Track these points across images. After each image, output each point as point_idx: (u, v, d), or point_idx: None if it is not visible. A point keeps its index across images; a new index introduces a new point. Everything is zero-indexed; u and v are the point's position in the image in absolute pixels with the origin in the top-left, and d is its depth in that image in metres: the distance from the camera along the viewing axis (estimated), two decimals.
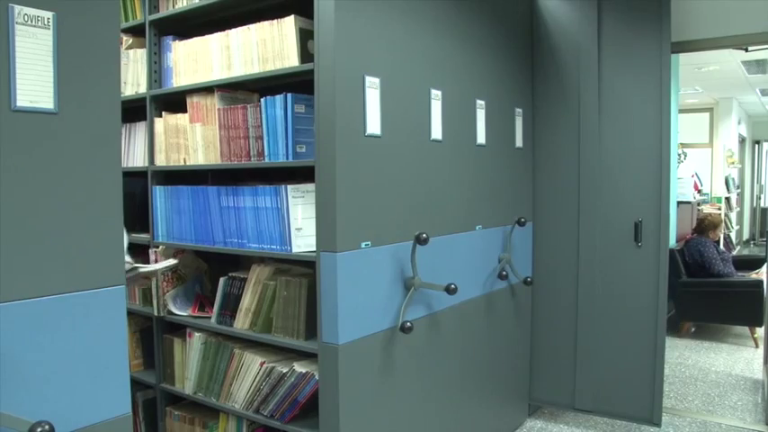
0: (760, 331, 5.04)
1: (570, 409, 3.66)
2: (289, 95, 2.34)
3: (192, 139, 2.71)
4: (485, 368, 3.19)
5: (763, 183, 12.27)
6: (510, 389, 3.54)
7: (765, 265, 5.64)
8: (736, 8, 3.47)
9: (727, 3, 3.47)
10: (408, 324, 2.41)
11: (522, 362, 3.64)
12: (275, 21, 2.40)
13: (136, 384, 2.94)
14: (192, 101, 2.70)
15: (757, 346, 5.26)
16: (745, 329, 5.58)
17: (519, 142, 3.44)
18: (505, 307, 3.39)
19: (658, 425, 3.39)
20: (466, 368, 3.01)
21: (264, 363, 2.51)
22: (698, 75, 7.13)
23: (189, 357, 2.79)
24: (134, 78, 2.97)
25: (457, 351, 2.92)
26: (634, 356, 3.31)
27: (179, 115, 2.76)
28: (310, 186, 2.30)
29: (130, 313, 2.90)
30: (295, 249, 2.34)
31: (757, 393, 4.17)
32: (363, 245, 2.29)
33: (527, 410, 3.79)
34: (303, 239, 2.34)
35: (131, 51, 2.97)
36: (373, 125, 2.30)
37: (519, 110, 3.42)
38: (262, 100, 2.43)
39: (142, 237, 2.94)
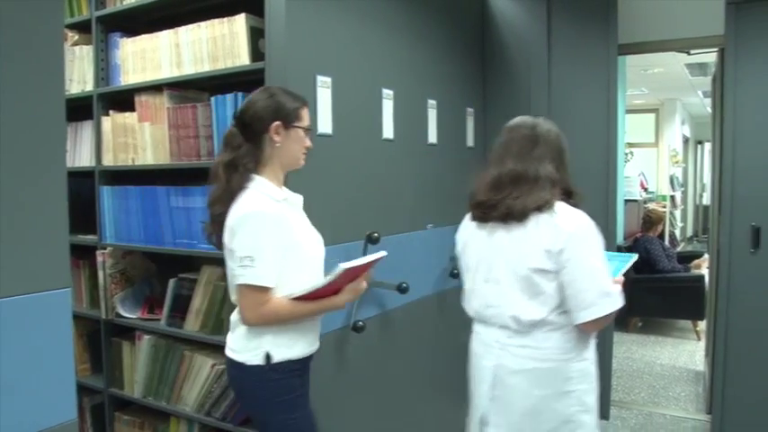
0: (702, 324, 5.22)
1: None
2: (239, 94, 2.32)
3: (140, 139, 2.67)
4: (437, 366, 3.22)
5: (705, 181, 12.69)
6: (463, 386, 3.57)
7: (705, 258, 5.83)
8: (680, 13, 3.59)
9: (671, 8, 3.59)
10: (360, 323, 2.41)
11: None
12: (226, 19, 2.38)
13: (83, 389, 2.87)
14: (140, 99, 2.65)
15: (699, 339, 5.45)
16: (689, 323, 5.78)
17: (470, 141, 3.48)
18: (458, 305, 3.41)
19: (606, 418, 3.48)
20: (418, 367, 3.03)
21: (216, 364, 2.48)
22: (644, 76, 7.33)
23: (138, 360, 2.74)
24: (80, 76, 2.90)
25: (409, 350, 2.94)
26: None
27: (127, 114, 2.71)
28: None
29: (77, 317, 2.81)
30: None
31: (699, 384, 4.32)
32: None
33: None
34: None
35: (77, 48, 2.90)
36: (324, 124, 2.31)
37: (470, 109, 3.47)
38: (212, 99, 2.41)
39: (89, 238, 2.87)
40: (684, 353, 5.24)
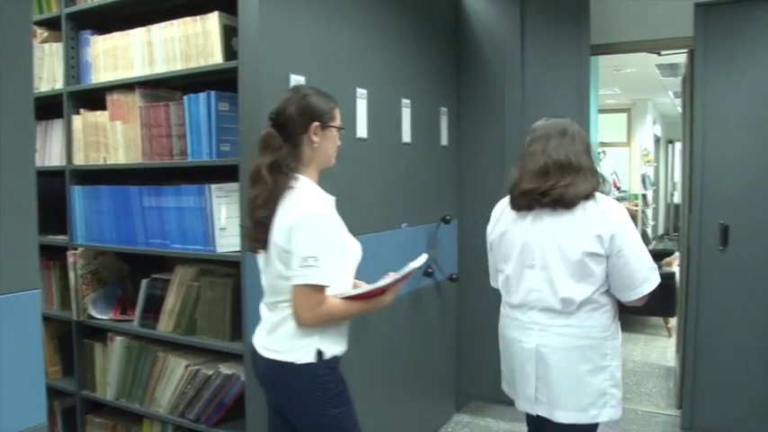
0: (674, 321, 5.30)
1: (496, 402, 3.75)
2: (212, 93, 2.31)
3: (112, 138, 2.64)
4: (412, 364, 3.24)
5: (676, 180, 12.89)
6: (438, 384, 3.60)
7: (676, 255, 5.92)
8: (651, 15, 3.65)
9: (642, 9, 3.64)
10: None
11: (448, 357, 3.71)
12: (198, 17, 2.36)
13: (54, 392, 2.83)
14: (112, 98, 2.62)
15: (671, 336, 5.54)
16: (661, 320, 5.87)
17: (444, 141, 3.50)
18: (432, 303, 3.45)
19: None
20: (394, 365, 3.04)
21: (189, 365, 2.47)
22: (616, 76, 7.43)
23: (110, 362, 2.71)
24: (50, 74, 2.85)
25: (384, 348, 2.94)
26: None
27: (98, 113, 2.67)
28: (234, 186, 2.27)
29: (48, 318, 2.79)
30: (219, 249, 2.31)
31: (670, 380, 4.40)
32: None
33: (455, 405, 3.87)
34: (227, 239, 2.31)
35: (46, 45, 2.85)
36: None
37: (444, 109, 3.48)
38: (185, 98, 2.39)
39: (59, 239, 2.83)
40: (656, 349, 5.32)
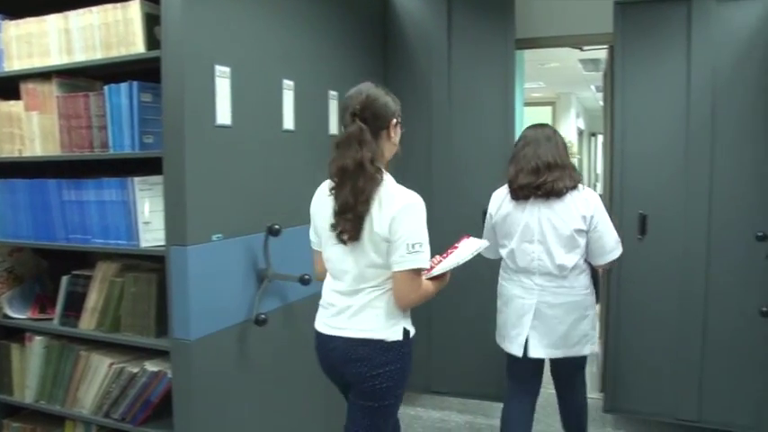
0: (597, 308, 5.49)
1: (426, 391, 3.81)
2: (134, 84, 2.24)
3: (27, 129, 2.52)
4: None
5: (598, 172, 13.36)
6: None
7: None
8: (573, 11, 3.77)
9: (565, 5, 3.76)
10: (263, 316, 2.40)
11: None
12: (119, 4, 2.28)
13: None
14: (26, 87, 2.50)
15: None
16: None
17: None
18: None
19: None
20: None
21: (114, 363, 2.40)
22: (541, 70, 7.63)
23: (29, 363, 2.60)
24: None
25: (312, 341, 2.93)
26: (485, 340, 3.46)
27: (12, 102, 2.55)
28: (158, 178, 2.22)
29: None
30: (143, 244, 2.26)
31: (593, 365, 4.56)
32: (215, 237, 2.24)
33: None
34: (152, 233, 2.26)
35: None
36: (223, 115, 2.26)
37: None
38: (105, 88, 2.31)
39: None
40: None
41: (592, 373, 4.37)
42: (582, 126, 12.52)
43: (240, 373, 2.42)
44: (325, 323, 2.13)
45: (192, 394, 2.18)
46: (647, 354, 3.43)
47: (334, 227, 2.03)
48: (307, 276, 2.58)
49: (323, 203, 2.11)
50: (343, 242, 2.01)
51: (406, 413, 3.79)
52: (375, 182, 1.95)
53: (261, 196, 2.51)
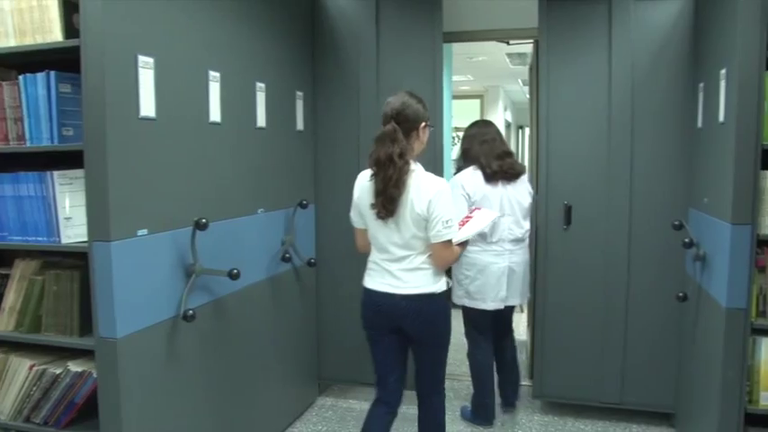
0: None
1: (358, 383, 3.83)
2: (52, 73, 2.15)
3: None
4: (272, 351, 3.23)
5: (525, 164, 13.68)
6: (299, 369, 3.62)
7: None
8: (500, 5, 3.85)
9: (492, 0, 3.81)
10: (191, 312, 2.35)
11: (309, 342, 3.74)
12: None
13: None
14: None
15: (523, 311, 5.89)
16: None
17: (300, 125, 3.49)
18: (290, 289, 3.44)
19: None
20: (253, 352, 3.01)
21: (34, 365, 2.31)
22: (469, 64, 7.74)
23: None
24: None
25: (243, 336, 2.91)
26: None
27: None
28: (79, 172, 2.14)
29: None
30: (65, 240, 2.18)
31: (523, 352, 4.69)
32: (140, 233, 2.18)
33: (317, 389, 3.92)
34: (73, 229, 2.18)
35: None
36: (147, 107, 2.19)
37: (300, 93, 3.47)
38: (20, 77, 2.21)
39: None
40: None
41: (522, 361, 4.49)
42: (509, 119, 12.78)
43: (169, 370, 2.37)
44: (381, 282, 2.55)
45: (119, 393, 2.12)
46: (572, 340, 3.55)
47: (373, 206, 2.47)
48: (235, 271, 2.55)
49: (364, 188, 2.53)
50: (382, 218, 2.46)
51: (338, 405, 3.81)
52: (403, 171, 2.40)
53: (188, 190, 2.46)
